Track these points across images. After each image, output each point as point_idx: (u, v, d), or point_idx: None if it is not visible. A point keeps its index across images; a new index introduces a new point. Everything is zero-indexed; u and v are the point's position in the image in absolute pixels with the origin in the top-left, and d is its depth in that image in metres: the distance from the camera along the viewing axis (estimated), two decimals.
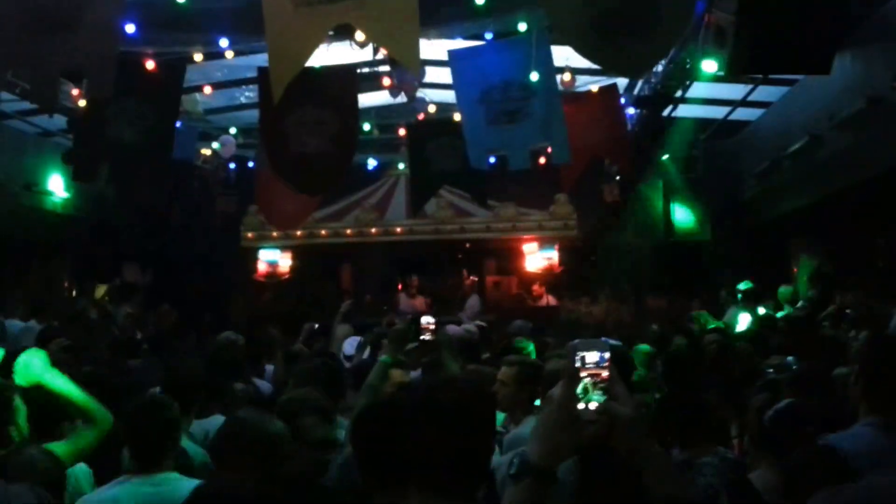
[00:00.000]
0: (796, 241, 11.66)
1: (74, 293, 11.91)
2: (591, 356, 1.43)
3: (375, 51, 7.88)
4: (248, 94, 10.07)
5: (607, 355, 1.44)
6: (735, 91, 9.99)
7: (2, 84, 5.21)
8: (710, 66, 6.08)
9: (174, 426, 2.97)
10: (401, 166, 12.15)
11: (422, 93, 9.48)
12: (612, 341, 5.50)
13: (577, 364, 1.43)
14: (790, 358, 4.80)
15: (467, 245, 13.72)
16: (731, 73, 5.77)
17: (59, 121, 8.60)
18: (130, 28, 5.28)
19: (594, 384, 1.43)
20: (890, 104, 7.18)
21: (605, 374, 1.43)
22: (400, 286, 13.27)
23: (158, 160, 6.49)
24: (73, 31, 4.73)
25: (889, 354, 2.77)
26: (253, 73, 8.11)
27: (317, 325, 8.08)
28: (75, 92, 6.51)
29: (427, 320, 3.54)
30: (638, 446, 1.46)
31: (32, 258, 10.34)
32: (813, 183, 9.59)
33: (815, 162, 9.06)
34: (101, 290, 11.91)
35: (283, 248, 13.61)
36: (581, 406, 1.42)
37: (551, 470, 1.44)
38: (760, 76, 8.37)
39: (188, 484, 2.67)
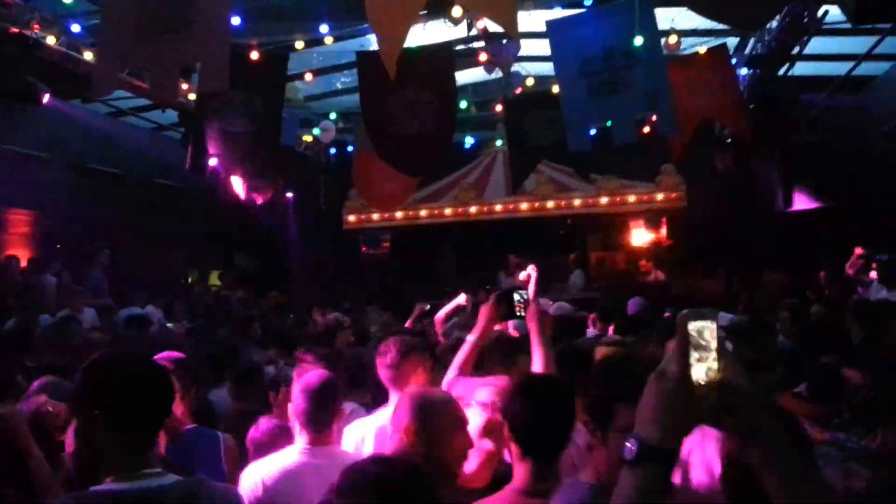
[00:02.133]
0: None
1: (190, 280, 12.68)
2: (701, 327, 1.38)
3: (470, 27, 7.93)
4: (344, 80, 10.36)
5: (716, 326, 1.38)
6: (858, 44, 9.46)
7: (122, 83, 5.54)
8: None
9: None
10: (498, 143, 12.17)
11: (518, 66, 9.45)
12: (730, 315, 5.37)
13: (691, 335, 1.38)
14: None
15: (569, 221, 13.60)
16: (857, 22, 5.43)
17: (171, 115, 9.11)
18: (236, 20, 5.52)
19: (705, 356, 1.37)
20: None
21: (715, 345, 1.37)
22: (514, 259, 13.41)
23: (269, 148, 6.77)
24: (187, 28, 4.99)
25: None
26: (348, 58, 8.36)
27: (429, 306, 8.28)
28: (185, 87, 6.87)
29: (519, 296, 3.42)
30: (758, 422, 1.38)
31: (152, 248, 11.01)
32: None
33: None
34: (214, 277, 12.63)
35: (385, 230, 13.92)
36: (699, 380, 1.36)
37: (672, 450, 1.37)
38: (888, 25, 7.89)
39: None
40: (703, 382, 1.35)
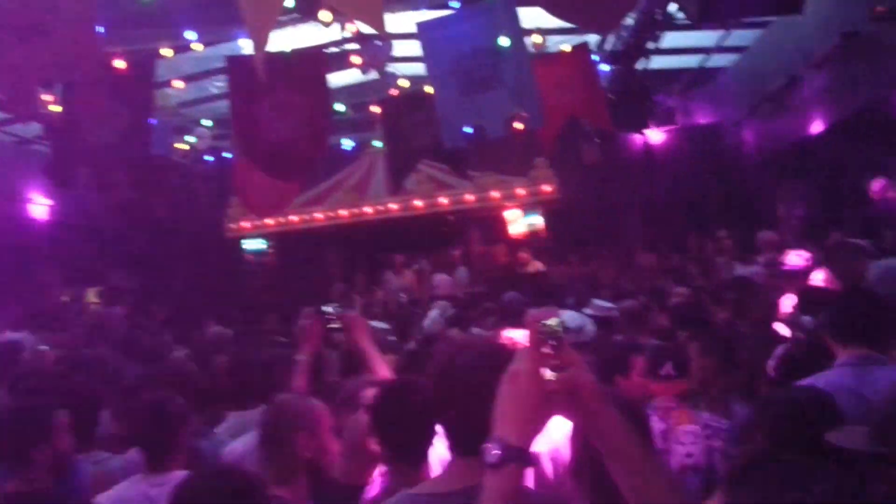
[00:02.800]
0: (782, 185, 11.88)
1: (66, 299, 12.06)
2: (550, 323, 1.41)
3: (342, 28, 7.96)
4: (219, 85, 10.13)
5: (560, 322, 1.42)
6: (708, 38, 10.14)
7: None
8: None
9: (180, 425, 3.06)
10: (378, 144, 12.22)
11: (392, 67, 9.56)
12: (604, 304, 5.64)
13: (538, 334, 1.40)
14: None
15: (451, 217, 13.82)
16: (701, 21, 5.85)
17: (35, 127, 8.65)
18: (99, 29, 5.33)
19: (555, 354, 1.40)
20: (867, 39, 7.34)
21: (559, 341, 1.39)
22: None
23: (136, 159, 6.56)
24: (47, 36, 4.78)
25: None
26: (222, 62, 8.20)
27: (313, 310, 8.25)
28: (49, 98, 6.57)
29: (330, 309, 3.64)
30: (600, 411, 1.42)
31: (22, 267, 10.43)
32: (793, 123, 9.78)
33: (794, 103, 9.25)
34: (91, 295, 12.08)
35: (268, 236, 13.71)
36: (549, 375, 1.38)
37: (529, 448, 1.38)
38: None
39: None
40: (552, 378, 1.38)
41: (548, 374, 1.38)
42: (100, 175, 6.92)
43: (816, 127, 9.27)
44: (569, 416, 1.49)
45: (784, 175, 11.60)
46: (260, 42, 4.70)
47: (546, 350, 1.38)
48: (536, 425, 1.39)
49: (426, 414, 2.27)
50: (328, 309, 3.53)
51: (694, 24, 7.40)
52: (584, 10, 4.99)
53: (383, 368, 3.34)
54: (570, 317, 4.72)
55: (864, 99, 7.99)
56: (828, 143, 9.34)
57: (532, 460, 1.38)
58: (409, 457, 2.39)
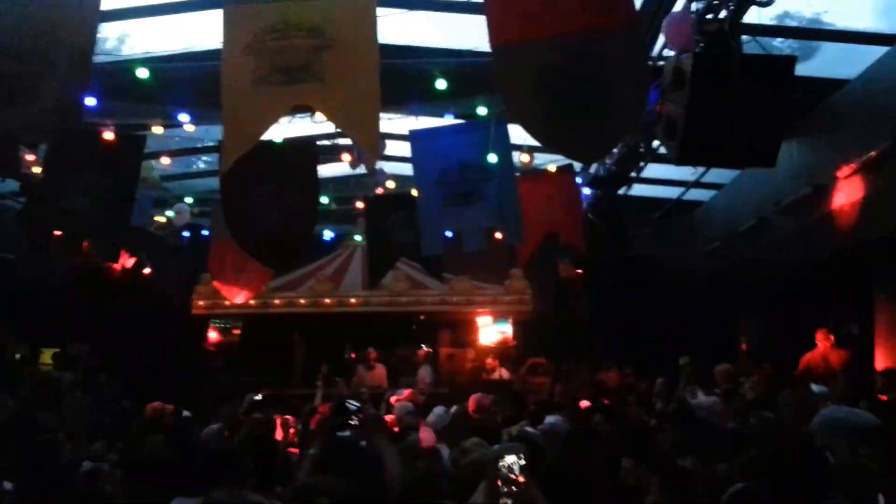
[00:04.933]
0: (745, 319, 12.01)
1: (18, 356, 11.70)
2: (511, 460, 1.48)
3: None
4: (206, 160, 10.14)
5: (523, 460, 1.49)
6: (688, 172, 10.41)
7: None
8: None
9: None
10: (357, 238, 12.25)
11: (380, 164, 9.65)
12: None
13: (500, 470, 1.48)
14: None
15: (422, 317, 13.74)
16: (680, 163, 6.01)
17: (11, 184, 8.51)
18: (91, 101, 5.32)
19: (511, 488, 1.45)
20: (832, 190, 7.60)
21: (521, 478, 1.47)
22: (353, 355, 13.25)
23: (114, 232, 6.43)
24: (38, 99, 4.75)
25: None
26: (210, 142, 8.25)
27: (259, 396, 8.08)
28: (31, 157, 6.49)
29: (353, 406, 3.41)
30: None
31: None
32: (760, 264, 9.95)
33: (761, 243, 9.43)
34: (47, 356, 11.73)
35: (236, 317, 13.46)
36: None
37: None
38: None
39: None
40: None
41: None
42: (72, 241, 6.76)
43: (780, 268, 9.47)
44: None
45: (747, 310, 11.76)
46: (231, 150, 4.71)
47: (504, 489, 1.45)
48: None
49: None
50: (350, 405, 3.37)
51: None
52: (571, 142, 5.08)
53: (393, 468, 3.13)
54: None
55: (827, 247, 8.19)
56: (789, 284, 9.53)
57: None
58: None
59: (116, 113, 6.17)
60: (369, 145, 5.03)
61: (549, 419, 5.98)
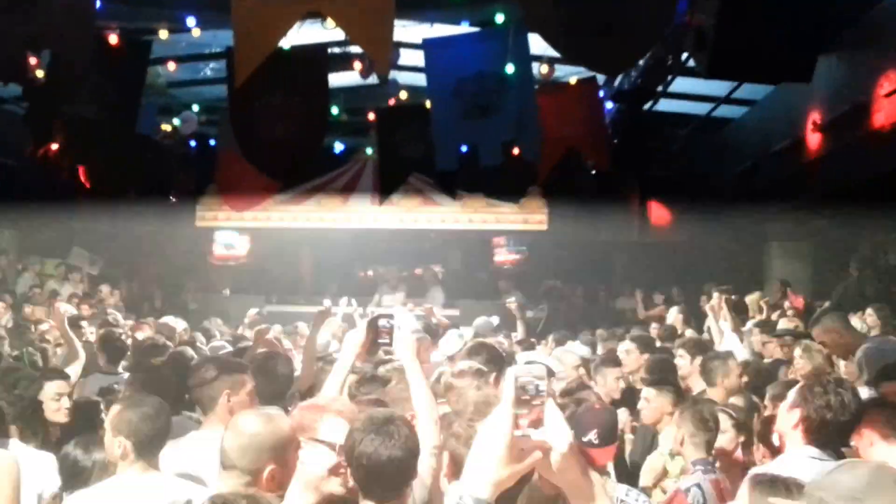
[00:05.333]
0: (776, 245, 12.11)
1: (20, 267, 12.03)
2: (531, 381, 1.45)
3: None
4: (214, 67, 10.11)
5: (545, 382, 1.46)
6: (719, 87, 10.33)
7: None
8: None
9: None
10: (369, 151, 12.29)
11: (393, 74, 9.64)
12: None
13: (517, 390, 1.44)
14: None
15: (433, 235, 13.90)
16: (711, 77, 6.01)
17: (14, 88, 8.59)
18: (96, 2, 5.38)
19: (536, 413, 1.44)
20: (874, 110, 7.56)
21: (543, 400, 1.45)
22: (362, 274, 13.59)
23: (120, 138, 6.56)
24: (46, 5, 4.81)
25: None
26: (219, 47, 8.24)
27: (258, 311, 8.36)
28: (33, 61, 6.57)
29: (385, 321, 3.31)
30: (572, 478, 1.49)
31: None
32: (793, 186, 9.97)
33: (796, 165, 9.43)
34: (49, 266, 12.05)
35: (242, 231, 13.70)
36: (524, 435, 1.44)
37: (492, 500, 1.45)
38: None
39: None
40: (526, 435, 1.44)
41: (524, 431, 1.44)
42: (75, 148, 6.92)
43: (815, 192, 9.49)
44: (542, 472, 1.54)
45: (778, 236, 11.86)
46: (245, 60, 4.77)
47: (523, 408, 1.44)
48: (504, 481, 1.45)
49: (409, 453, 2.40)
50: (385, 322, 3.26)
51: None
52: (592, 52, 5.10)
53: (422, 401, 3.15)
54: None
55: (867, 170, 8.21)
56: (824, 207, 9.57)
57: None
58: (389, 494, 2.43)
59: (121, 16, 6.21)
60: (380, 58, 5.07)
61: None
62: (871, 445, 3.19)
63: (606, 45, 5.22)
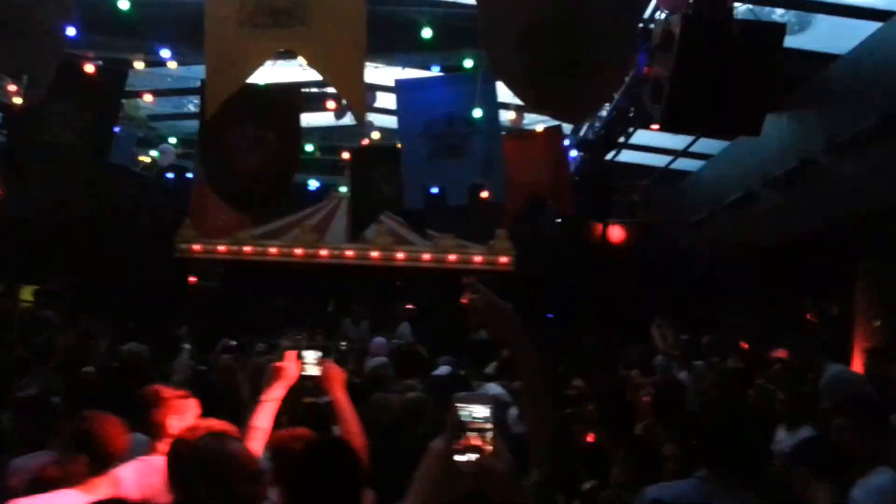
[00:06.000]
0: (728, 294, 12.09)
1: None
2: (477, 410, 1.46)
3: None
4: (196, 101, 10.03)
5: (490, 409, 1.47)
6: (677, 141, 10.40)
7: None
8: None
9: None
10: (343, 189, 12.22)
11: (370, 116, 9.60)
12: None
13: (463, 417, 1.45)
14: None
15: (405, 273, 13.80)
16: (664, 129, 6.01)
17: None
18: (71, 31, 5.26)
19: (476, 438, 1.45)
20: (821, 166, 7.61)
21: (487, 427, 1.46)
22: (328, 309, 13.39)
23: (94, 165, 6.39)
24: (19, 32, 4.69)
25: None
26: (199, 82, 8.15)
27: (234, 342, 8.15)
28: (13, 88, 6.43)
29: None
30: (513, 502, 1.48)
31: None
32: (746, 237, 10.00)
33: (749, 217, 9.47)
34: (27, 292, 11.71)
35: (219, 262, 13.48)
36: (461, 459, 1.44)
37: None
38: None
39: None
40: (470, 460, 1.44)
41: (464, 457, 1.44)
42: (53, 174, 6.73)
43: (765, 243, 9.53)
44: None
45: (732, 283, 11.86)
46: (216, 94, 4.67)
47: (462, 437, 1.44)
48: (435, 501, 1.46)
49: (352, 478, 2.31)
50: (308, 354, 3.14)
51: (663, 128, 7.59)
52: (555, 101, 5.05)
53: (354, 425, 3.11)
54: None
55: (813, 223, 8.25)
56: (775, 259, 9.59)
57: None
58: None
59: (98, 45, 6.10)
60: (353, 96, 4.97)
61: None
62: None
63: (568, 92, 5.18)
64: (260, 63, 4.99)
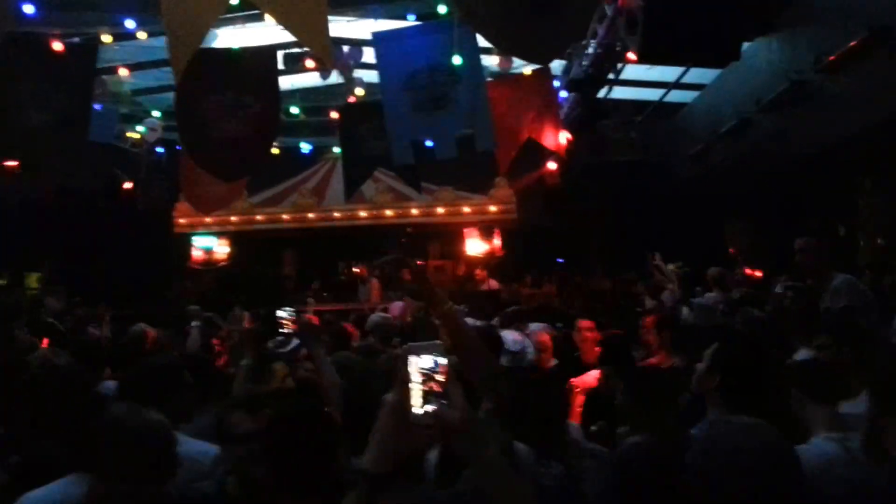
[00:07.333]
0: (731, 222, 12.00)
1: (3, 282, 11.77)
2: (428, 360, 1.44)
3: None
4: None
5: (444, 360, 1.45)
6: (669, 73, 10.20)
7: None
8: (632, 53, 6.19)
9: None
10: (336, 150, 12.11)
11: (358, 73, 9.44)
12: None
13: (414, 368, 1.44)
14: None
15: (409, 230, 13.77)
16: (642, 60, 5.86)
17: None
18: (29, 8, 5.16)
19: (432, 388, 1.43)
20: (812, 87, 7.46)
21: (441, 377, 1.44)
22: (345, 272, 13.37)
23: (72, 144, 6.32)
24: None
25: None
26: None
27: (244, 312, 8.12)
28: None
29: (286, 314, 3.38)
30: (473, 452, 1.46)
31: None
32: (742, 165, 9.86)
33: (744, 144, 9.33)
34: (32, 279, 11.79)
35: (219, 235, 13.48)
36: (418, 411, 1.42)
37: (385, 475, 1.44)
38: None
39: None
40: (427, 412, 1.41)
41: (421, 408, 1.43)
42: (34, 158, 6.69)
43: (763, 169, 9.40)
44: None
45: (732, 212, 11.76)
46: (179, 56, 4.58)
47: (419, 385, 1.43)
48: (393, 455, 1.44)
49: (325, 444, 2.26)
50: (283, 312, 3.36)
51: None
52: (523, 42, 4.93)
53: (330, 375, 3.17)
54: (511, 339, 4.66)
55: (810, 144, 8.11)
56: (773, 185, 9.48)
57: (381, 486, 1.43)
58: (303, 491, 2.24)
59: (62, 22, 5.98)
60: (317, 46, 4.86)
61: (533, 326, 5.99)
62: None
63: (537, 32, 5.06)
64: (215, 16, 4.88)
